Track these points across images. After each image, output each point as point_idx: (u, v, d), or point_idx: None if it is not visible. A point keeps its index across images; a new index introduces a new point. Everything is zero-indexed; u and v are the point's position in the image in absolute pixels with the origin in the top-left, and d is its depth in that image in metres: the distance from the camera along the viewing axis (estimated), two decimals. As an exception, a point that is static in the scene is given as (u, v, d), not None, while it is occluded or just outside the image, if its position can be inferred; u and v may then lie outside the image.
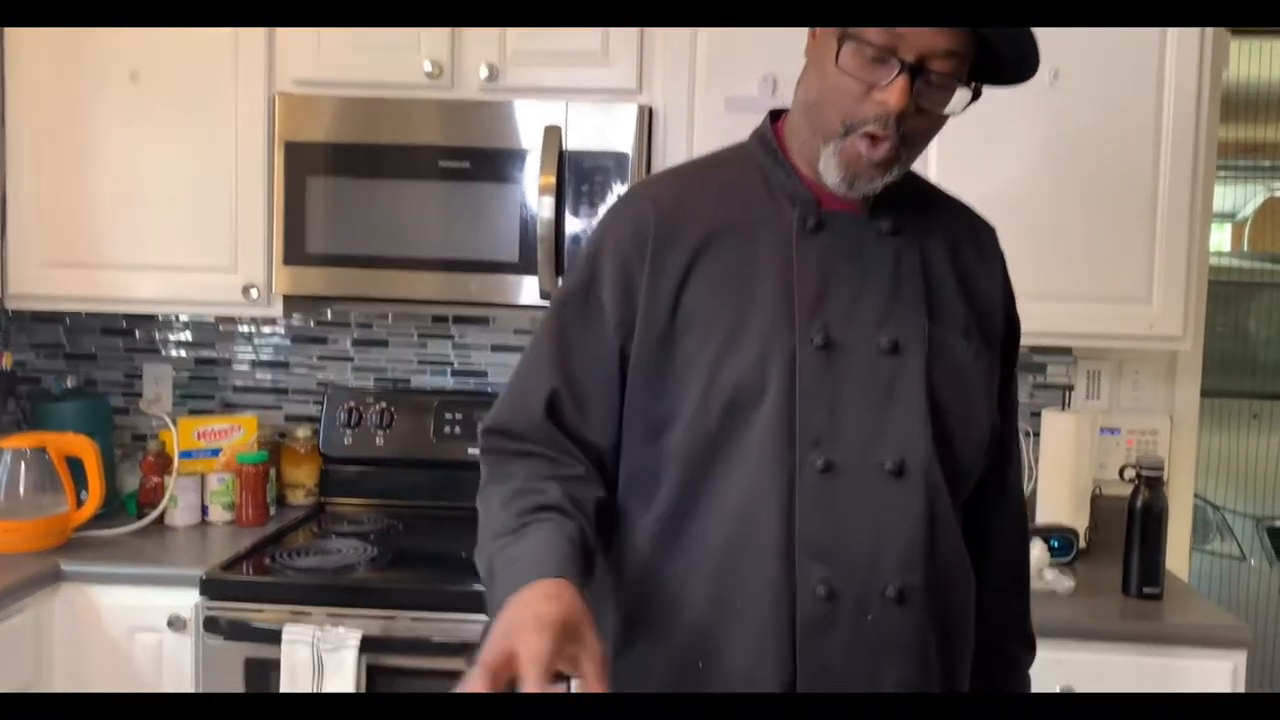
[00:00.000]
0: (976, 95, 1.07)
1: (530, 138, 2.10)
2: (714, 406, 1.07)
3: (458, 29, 2.10)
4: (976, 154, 2.03)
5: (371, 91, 2.13)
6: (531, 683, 0.84)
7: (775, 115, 1.20)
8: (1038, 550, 1.99)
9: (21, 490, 2.02)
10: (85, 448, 2.07)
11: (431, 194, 2.12)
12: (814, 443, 1.06)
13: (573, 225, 2.10)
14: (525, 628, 0.89)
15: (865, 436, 1.07)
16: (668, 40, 2.09)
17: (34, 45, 2.18)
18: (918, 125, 1.06)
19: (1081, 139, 2.03)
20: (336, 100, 2.12)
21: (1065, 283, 2.04)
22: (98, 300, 2.24)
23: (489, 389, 2.50)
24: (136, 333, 2.56)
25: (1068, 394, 2.32)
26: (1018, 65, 1.08)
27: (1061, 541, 2.10)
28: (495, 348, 2.51)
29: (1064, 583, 1.95)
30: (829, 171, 1.08)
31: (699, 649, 1.09)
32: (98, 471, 2.08)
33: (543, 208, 2.06)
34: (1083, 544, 2.17)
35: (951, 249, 1.16)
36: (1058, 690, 1.80)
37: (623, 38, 2.10)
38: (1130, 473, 1.99)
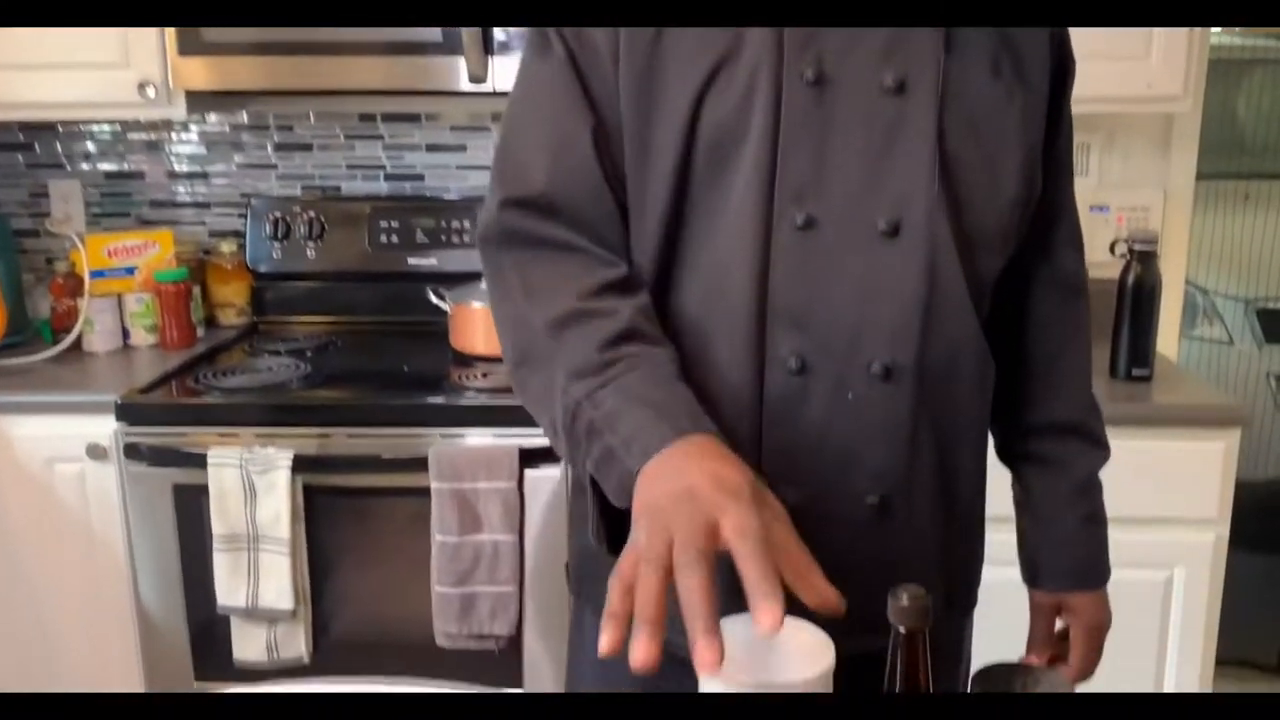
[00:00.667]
0: None
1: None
2: (694, 152, 0.91)
3: None
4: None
5: None
6: (751, 556, 0.67)
7: None
8: (1020, 336, 1.86)
9: (-89, 318, 1.84)
10: (-22, 269, 1.88)
11: (339, -35, 1.86)
12: (795, 196, 0.89)
13: (502, -4, 1.86)
14: (710, 492, 0.71)
15: (856, 190, 0.90)
16: None
17: None
18: None
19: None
20: None
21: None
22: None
23: (426, 194, 2.30)
24: (37, 146, 2.32)
25: (1054, 170, 2.14)
26: None
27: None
28: (430, 148, 2.29)
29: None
30: None
31: None
32: (-5, 295, 1.90)
33: (467, -24, 1.82)
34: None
35: None
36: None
37: None
38: (1121, 248, 1.83)
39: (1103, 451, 1.11)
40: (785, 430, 0.92)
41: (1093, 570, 1.09)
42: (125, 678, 1.91)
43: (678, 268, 0.95)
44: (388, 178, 2.31)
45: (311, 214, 2.22)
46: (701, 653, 0.63)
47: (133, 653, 1.88)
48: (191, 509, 1.79)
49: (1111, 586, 1.73)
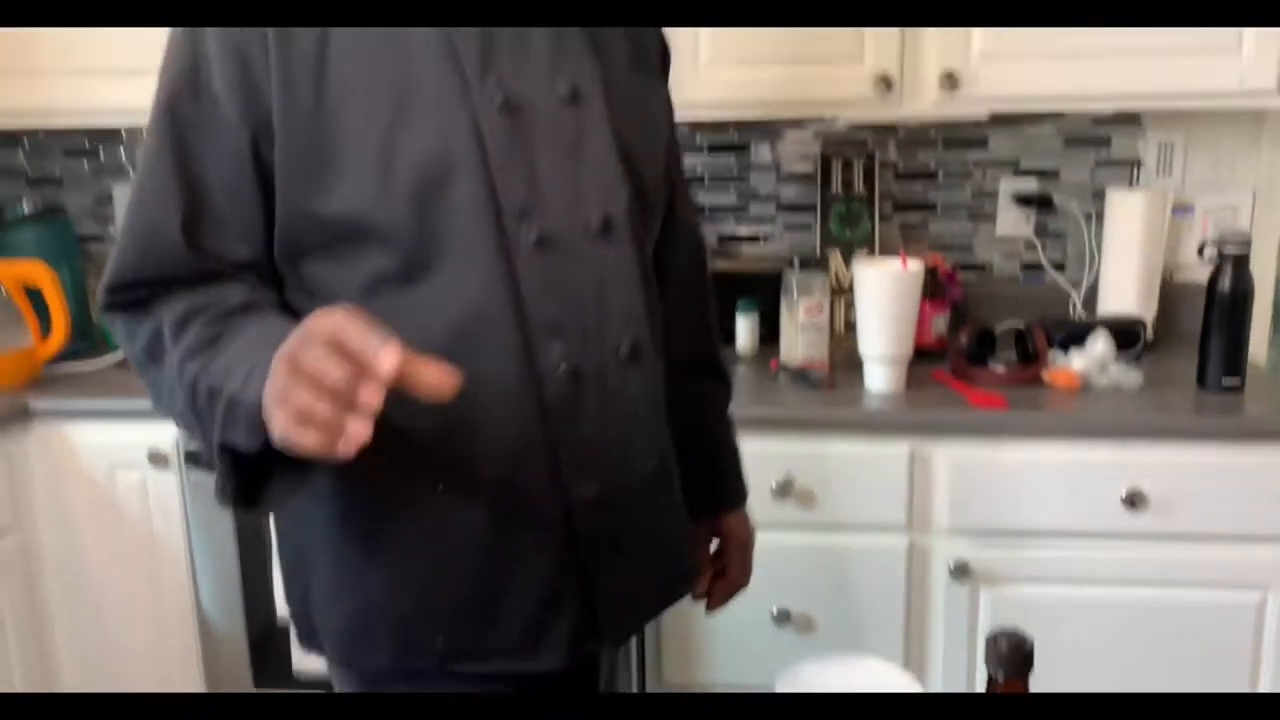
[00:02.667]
0: None
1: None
2: (400, 196, 0.91)
3: None
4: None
5: None
6: (361, 328, 0.71)
7: None
8: (1101, 344, 1.78)
9: (-22, 324, 1.85)
10: (42, 276, 1.89)
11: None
12: (521, 215, 0.94)
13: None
14: (317, 329, 0.73)
15: (568, 198, 0.97)
16: None
17: None
18: None
19: None
20: None
21: (1137, 33, 1.74)
22: (36, 114, 2.01)
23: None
24: (102, 152, 2.34)
25: (1136, 170, 2.05)
26: None
27: (1127, 333, 1.88)
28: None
29: (1131, 377, 1.74)
30: None
31: (440, 470, 0.96)
32: (59, 301, 1.90)
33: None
34: (1150, 336, 1.95)
35: None
36: (1124, 494, 1.62)
37: None
38: (1210, 251, 1.74)
39: (730, 384, 1.27)
40: (572, 432, 0.97)
41: (742, 490, 1.26)
42: (186, 683, 1.91)
43: (413, 305, 0.94)
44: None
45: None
46: (384, 358, 0.69)
47: (193, 659, 1.88)
48: (252, 517, 1.78)
49: (1199, 608, 1.66)
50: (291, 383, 0.72)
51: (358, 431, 0.70)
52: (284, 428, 0.71)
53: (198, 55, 0.92)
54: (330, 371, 0.70)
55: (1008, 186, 2.12)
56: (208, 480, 1.79)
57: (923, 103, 1.83)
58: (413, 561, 0.97)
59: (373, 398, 0.70)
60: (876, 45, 1.80)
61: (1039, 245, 2.13)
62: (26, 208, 2.17)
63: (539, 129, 0.96)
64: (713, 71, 1.85)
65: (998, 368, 1.82)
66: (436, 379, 0.72)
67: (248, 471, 0.85)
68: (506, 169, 0.94)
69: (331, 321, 0.72)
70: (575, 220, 0.97)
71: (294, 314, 0.94)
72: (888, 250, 2.13)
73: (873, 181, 2.11)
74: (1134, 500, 1.61)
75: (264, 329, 0.87)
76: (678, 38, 1.79)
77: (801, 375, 1.79)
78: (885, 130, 2.12)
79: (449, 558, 0.97)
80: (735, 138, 2.18)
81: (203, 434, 0.87)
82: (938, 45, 1.79)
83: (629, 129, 1.01)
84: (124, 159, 2.33)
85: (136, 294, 0.94)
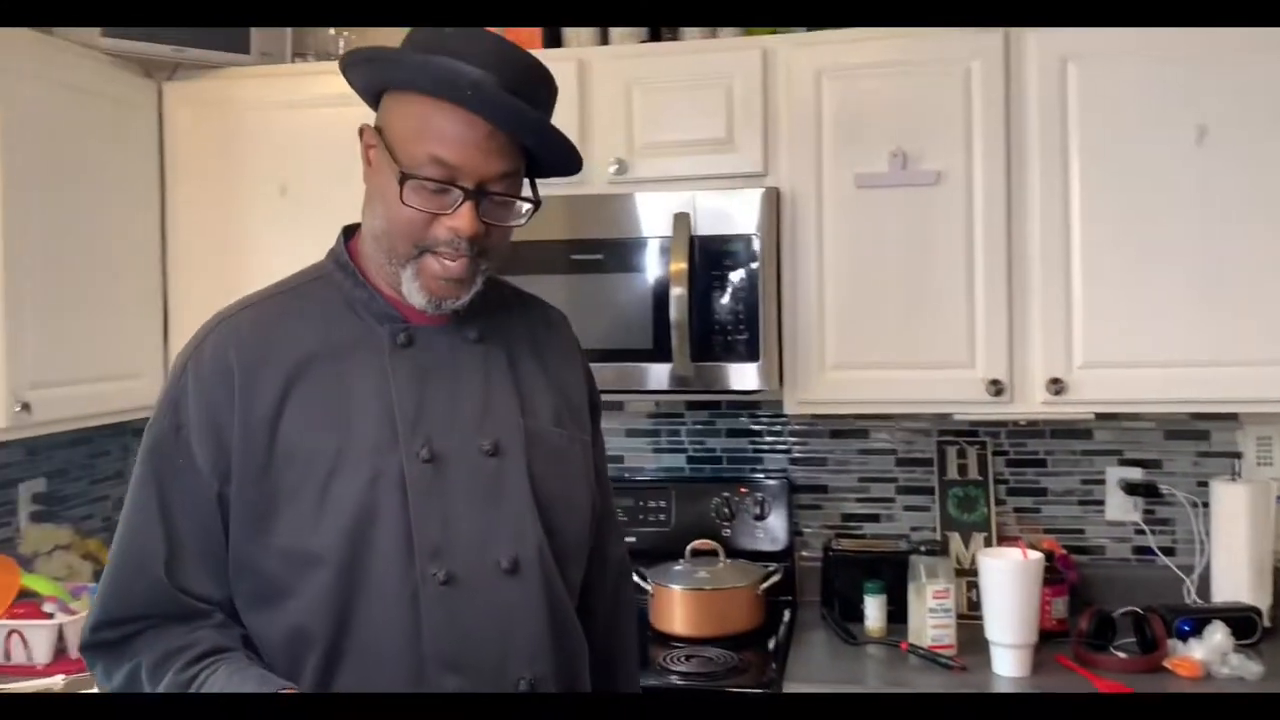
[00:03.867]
0: (537, 205, 1.15)
1: (656, 225, 2.10)
2: (329, 538, 1.06)
3: (581, 130, 2.15)
4: (1126, 220, 1.96)
5: (504, 191, 2.17)
6: None
7: (349, 232, 1.22)
8: (1219, 635, 1.86)
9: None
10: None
11: (564, 287, 2.14)
12: (432, 555, 1.07)
13: (704, 310, 2.09)
14: None
15: (479, 540, 1.10)
16: (793, 121, 2.08)
17: (190, 165, 2.30)
18: (491, 239, 1.12)
19: (1233, 195, 1.93)
20: (471, 201, 2.17)
21: (1228, 347, 1.93)
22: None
23: (625, 475, 2.50)
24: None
25: (1237, 462, 2.18)
26: (564, 166, 1.19)
27: (1244, 622, 1.96)
28: (629, 432, 2.51)
29: (1251, 668, 1.82)
30: (413, 294, 1.12)
31: None
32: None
33: (676, 293, 2.06)
34: (1267, 623, 2.02)
35: (534, 344, 1.24)
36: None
37: (747, 121, 2.11)
38: (1318, 545, 1.84)
39: None
40: None
41: None
42: None
43: (328, 649, 1.07)
44: (591, 462, 2.51)
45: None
46: None
47: None
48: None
49: None
50: None
51: None
52: None
53: (180, 416, 1.09)
54: None
55: (1114, 475, 2.27)
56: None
57: (1031, 404, 2.02)
58: None
59: None
60: (987, 353, 2.02)
61: (1148, 531, 2.25)
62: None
63: (459, 478, 1.10)
64: (837, 374, 2.08)
65: (1119, 654, 1.91)
66: None
67: None
68: (424, 513, 1.07)
69: None
70: (484, 560, 1.09)
71: (256, 651, 1.09)
72: (1004, 534, 2.28)
73: (987, 468, 2.29)
74: (1267, 795, 1.65)
75: (233, 678, 1.01)
76: (807, 346, 2.05)
77: (931, 658, 1.91)
78: (997, 421, 2.31)
79: None
80: (855, 424, 2.39)
81: None
82: (1043, 354, 2.00)
83: (547, 478, 1.15)
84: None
85: (121, 630, 1.08)
